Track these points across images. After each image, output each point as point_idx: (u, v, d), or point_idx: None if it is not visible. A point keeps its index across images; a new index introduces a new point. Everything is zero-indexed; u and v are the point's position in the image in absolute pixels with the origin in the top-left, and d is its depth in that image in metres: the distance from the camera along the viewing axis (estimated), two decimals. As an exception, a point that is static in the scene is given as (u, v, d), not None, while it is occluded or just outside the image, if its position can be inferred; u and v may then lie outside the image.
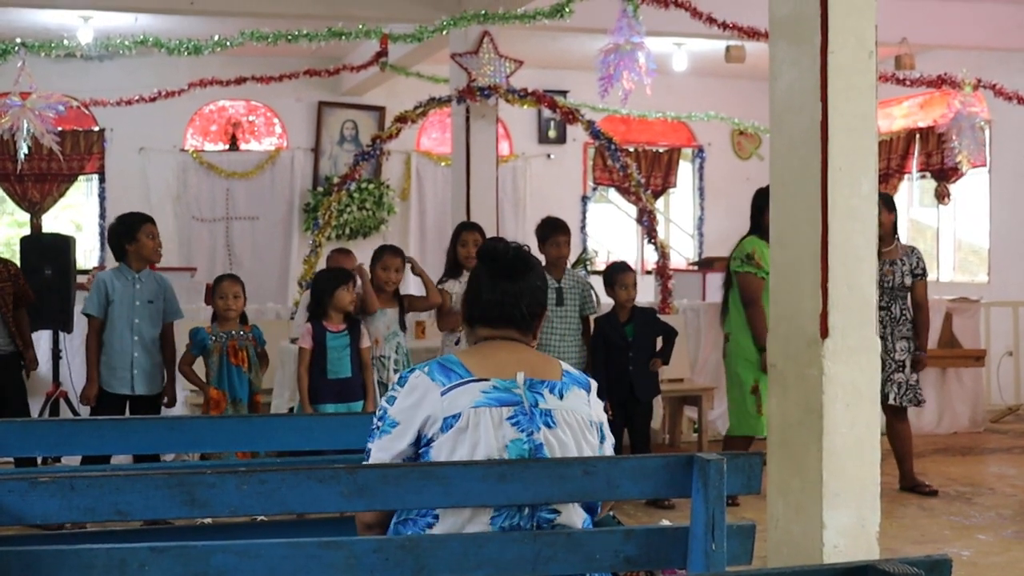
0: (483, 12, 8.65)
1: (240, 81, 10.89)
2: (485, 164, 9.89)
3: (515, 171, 13.91)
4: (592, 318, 6.91)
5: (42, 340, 7.29)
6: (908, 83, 10.28)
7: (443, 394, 2.67)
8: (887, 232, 6.73)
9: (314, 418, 4.87)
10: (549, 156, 14.15)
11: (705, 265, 11.92)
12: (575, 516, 2.73)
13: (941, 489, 6.90)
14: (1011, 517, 6.27)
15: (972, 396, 9.25)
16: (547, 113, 13.29)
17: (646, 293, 8.56)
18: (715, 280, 9.07)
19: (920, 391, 6.94)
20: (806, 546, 3.90)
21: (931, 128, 12.17)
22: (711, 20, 8.72)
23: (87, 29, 10.14)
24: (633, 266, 7.80)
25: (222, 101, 13.27)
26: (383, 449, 2.69)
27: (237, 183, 13.25)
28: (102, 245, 12.49)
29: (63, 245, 7.46)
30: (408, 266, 6.68)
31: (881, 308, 6.71)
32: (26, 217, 12.76)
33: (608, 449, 2.84)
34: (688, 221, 14.83)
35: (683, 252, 14.45)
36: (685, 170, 14.74)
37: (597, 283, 7.29)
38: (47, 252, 7.33)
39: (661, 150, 14.44)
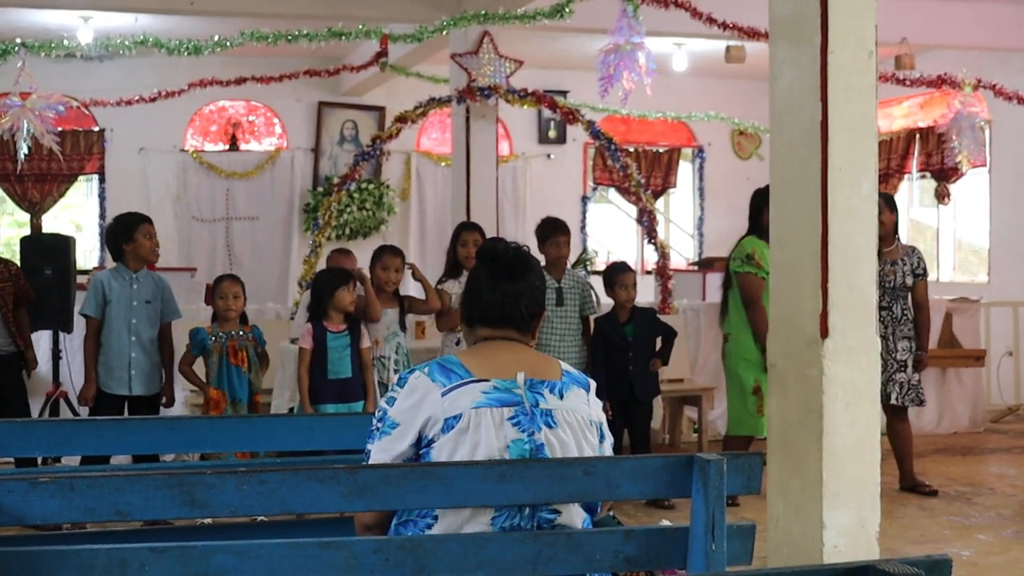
0: (483, 12, 8.65)
1: (240, 81, 10.89)
2: (485, 164, 9.89)
3: (515, 171, 13.91)
4: (592, 318, 6.91)
5: (42, 340, 7.29)
6: (908, 83, 10.28)
7: (444, 395, 2.66)
8: (888, 232, 6.74)
9: (314, 418, 4.87)
10: (549, 156, 14.15)
11: (705, 265, 11.92)
12: (575, 516, 2.73)
13: (941, 489, 6.90)
14: (1011, 517, 6.27)
15: (972, 396, 9.25)
16: (547, 113, 13.29)
17: (646, 293, 8.56)
18: (715, 280, 9.06)
19: (922, 391, 6.95)
20: (806, 546, 3.90)
21: (931, 128, 12.18)
22: (711, 20, 8.72)
23: (87, 29, 10.14)
24: (633, 266, 7.80)
25: (222, 101, 13.27)
26: (383, 450, 2.68)
27: (237, 183, 13.25)
28: (102, 245, 12.49)
29: (63, 245, 7.46)
30: (409, 272, 6.70)
31: (882, 308, 6.71)
32: (26, 217, 12.76)
33: (607, 448, 2.85)
34: (688, 221, 14.84)
35: (683, 252, 14.45)
36: (685, 170, 14.74)
37: (597, 283, 7.29)
38: (47, 252, 7.33)
39: (661, 150, 14.45)
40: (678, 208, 14.99)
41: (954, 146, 9.93)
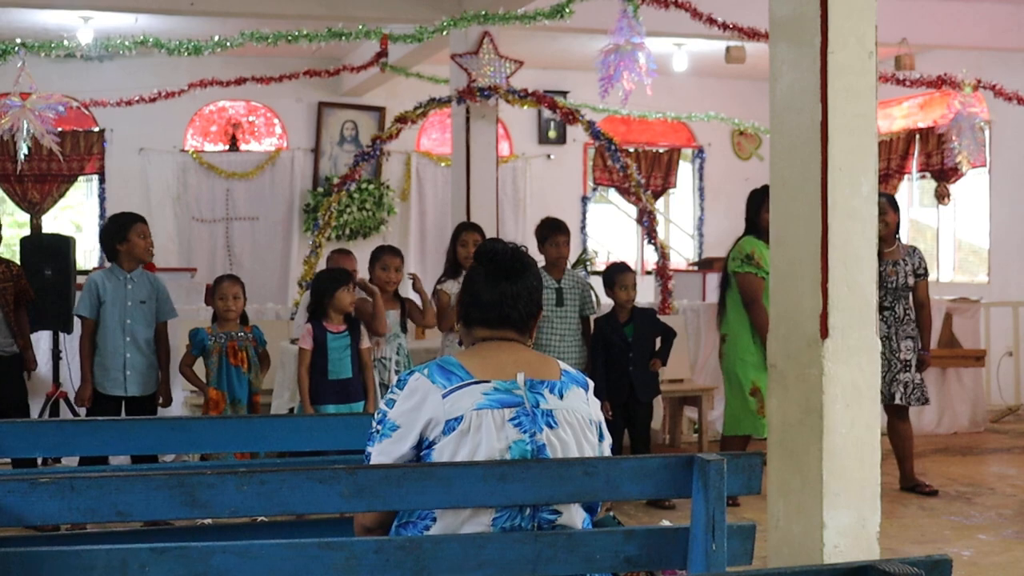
0: (483, 12, 8.65)
1: (240, 81, 10.90)
2: (485, 164, 9.89)
3: (515, 171, 13.91)
4: (592, 318, 6.91)
5: (42, 340, 7.29)
6: (908, 83, 10.29)
7: (444, 397, 2.66)
8: (890, 233, 6.76)
9: (314, 419, 4.87)
10: (549, 156, 14.15)
11: (705, 265, 11.92)
12: (576, 517, 2.73)
13: (941, 489, 6.91)
14: (1011, 517, 6.27)
15: (972, 396, 9.25)
16: (547, 113, 13.30)
17: (646, 293, 8.56)
18: (715, 280, 9.05)
19: (926, 389, 6.96)
20: (806, 546, 3.90)
21: (931, 128, 12.18)
22: (711, 21, 8.72)
23: (87, 29, 10.14)
24: (633, 266, 7.81)
25: (222, 101, 13.27)
26: (384, 453, 2.68)
27: (237, 183, 13.25)
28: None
29: (63, 245, 7.46)
30: (410, 282, 6.69)
31: (885, 308, 6.73)
32: (26, 217, 12.76)
33: (607, 448, 2.84)
34: (688, 221, 14.84)
35: (683, 252, 14.46)
36: (685, 170, 14.74)
37: (597, 284, 7.29)
38: (47, 252, 7.33)
39: (661, 150, 14.45)
40: (678, 208, 15.00)
41: (954, 146, 9.93)
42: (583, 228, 14.05)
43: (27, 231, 12.36)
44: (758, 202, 6.66)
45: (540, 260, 6.82)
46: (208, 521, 3.72)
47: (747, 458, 2.72)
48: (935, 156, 12.22)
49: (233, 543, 2.48)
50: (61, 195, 12.77)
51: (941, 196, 12.28)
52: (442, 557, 2.52)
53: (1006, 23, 10.74)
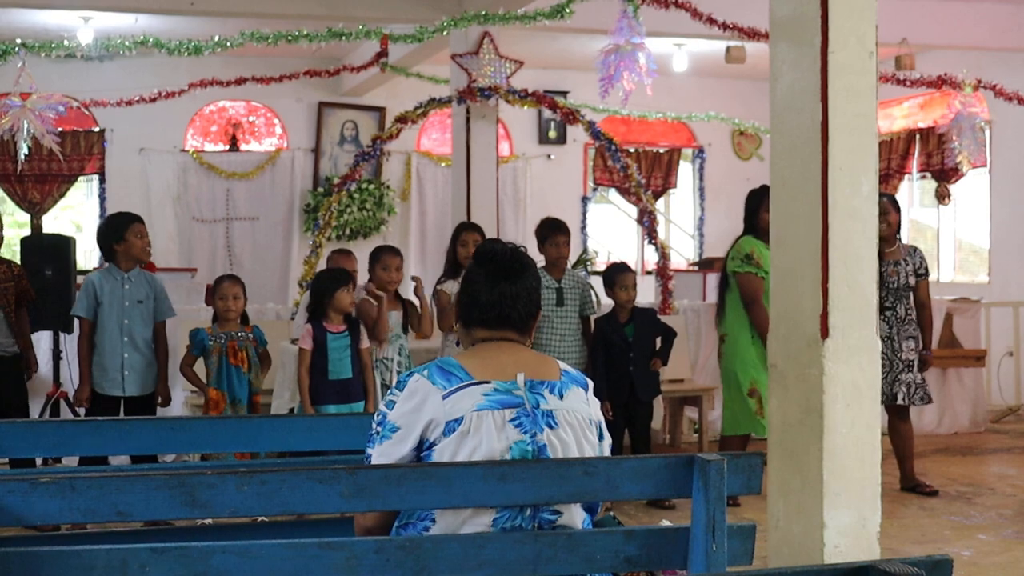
0: (483, 13, 8.65)
1: (240, 82, 10.89)
2: (485, 164, 9.88)
3: (515, 172, 13.91)
4: (592, 318, 6.90)
5: (42, 341, 7.29)
6: (908, 83, 10.28)
7: (444, 398, 2.65)
8: (892, 233, 6.77)
9: (314, 419, 4.86)
10: (549, 156, 14.15)
11: (705, 266, 11.92)
12: (576, 517, 2.73)
13: (942, 489, 6.91)
14: (1012, 517, 6.27)
15: (973, 396, 9.24)
16: (547, 114, 13.29)
17: (646, 294, 8.56)
18: (716, 281, 9.06)
19: (928, 389, 6.96)
20: (807, 546, 3.90)
21: (931, 128, 12.18)
22: (711, 21, 8.71)
23: (87, 30, 10.14)
24: (633, 267, 7.80)
25: (222, 102, 13.27)
26: (384, 455, 2.67)
27: (237, 184, 13.25)
28: (102, 246, 12.47)
29: (63, 246, 7.46)
30: (412, 285, 6.68)
31: (887, 308, 6.73)
32: (26, 218, 12.76)
33: (606, 447, 2.84)
34: (688, 222, 14.83)
35: (683, 252, 14.45)
36: (685, 170, 14.74)
37: (597, 284, 7.29)
38: (47, 253, 7.33)
39: (661, 150, 14.44)
40: (678, 208, 14.99)
41: (954, 146, 9.93)
42: (583, 228, 14.04)
43: (27, 231, 12.36)
44: (756, 202, 6.67)
45: (540, 260, 6.83)
46: (208, 521, 3.72)
47: (747, 458, 2.72)
48: (935, 156, 12.22)
49: (233, 543, 2.48)
50: (61, 195, 12.77)
51: (941, 196, 12.28)
52: (442, 557, 2.52)
53: (1006, 23, 10.74)
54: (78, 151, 12.61)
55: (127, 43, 8.86)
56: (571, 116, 9.16)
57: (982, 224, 12.43)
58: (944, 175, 12.10)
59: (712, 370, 8.51)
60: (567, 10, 8.22)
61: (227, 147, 13.38)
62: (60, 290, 7.11)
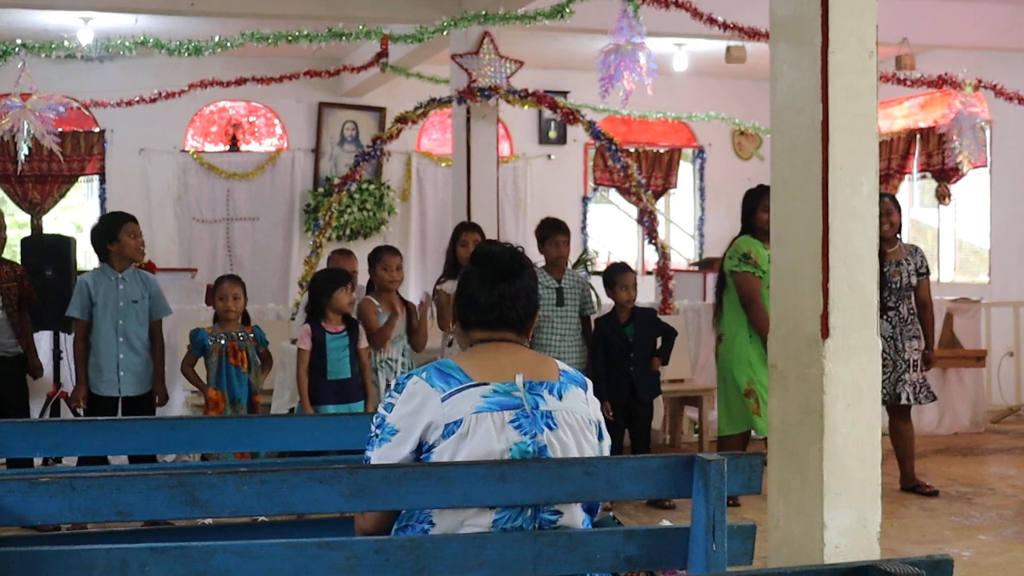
0: (483, 12, 8.65)
1: (240, 82, 10.89)
2: (486, 165, 9.88)
3: (515, 172, 13.91)
4: (592, 318, 6.90)
5: (42, 341, 7.28)
6: (909, 83, 10.28)
7: (443, 400, 2.65)
8: (894, 233, 6.78)
9: (314, 418, 4.87)
10: (550, 157, 14.15)
11: (706, 265, 11.92)
12: (577, 517, 2.73)
13: (942, 489, 6.90)
14: (1012, 517, 6.27)
15: (973, 396, 9.24)
16: (548, 114, 13.29)
17: (647, 294, 8.56)
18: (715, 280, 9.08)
19: (931, 387, 6.97)
20: (807, 546, 3.90)
21: (932, 128, 12.18)
22: (711, 20, 8.71)
23: (87, 30, 10.14)
24: (633, 266, 7.80)
25: (222, 102, 13.27)
26: (383, 457, 2.66)
27: (237, 184, 13.25)
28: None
29: (64, 246, 7.47)
30: (419, 303, 6.65)
31: (889, 308, 6.74)
32: (27, 218, 12.76)
33: (606, 447, 2.84)
34: (689, 221, 14.83)
35: (684, 252, 14.45)
36: (686, 170, 14.74)
37: (597, 284, 7.29)
38: (48, 253, 7.33)
39: (662, 150, 14.44)
40: (679, 208, 14.99)
41: (955, 146, 9.93)
42: (583, 228, 14.04)
43: (28, 232, 12.36)
44: (754, 202, 6.68)
45: (540, 260, 6.83)
46: (208, 521, 3.72)
47: (747, 458, 2.72)
48: (936, 156, 12.22)
49: (233, 543, 2.48)
50: (62, 196, 12.77)
51: (942, 196, 12.28)
52: (442, 557, 2.52)
53: (1006, 23, 10.73)
54: (78, 151, 12.61)
55: (127, 43, 8.86)
56: (571, 116, 9.16)
57: (982, 224, 12.43)
58: (944, 175, 12.10)
59: (712, 370, 8.51)
60: (567, 10, 8.22)
61: (227, 147, 13.38)
62: (60, 290, 7.11)
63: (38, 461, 6.20)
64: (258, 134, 13.59)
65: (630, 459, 2.75)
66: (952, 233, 13.10)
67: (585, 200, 14.22)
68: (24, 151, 8.63)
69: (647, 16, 8.06)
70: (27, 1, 9.91)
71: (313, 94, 13.22)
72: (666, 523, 3.20)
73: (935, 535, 5.87)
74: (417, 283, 13.22)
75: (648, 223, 8.75)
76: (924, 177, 12.88)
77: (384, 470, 2.57)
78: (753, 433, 6.63)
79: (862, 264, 3.96)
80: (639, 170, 9.69)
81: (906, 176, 12.91)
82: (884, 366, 6.55)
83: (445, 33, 8.98)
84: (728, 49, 11.22)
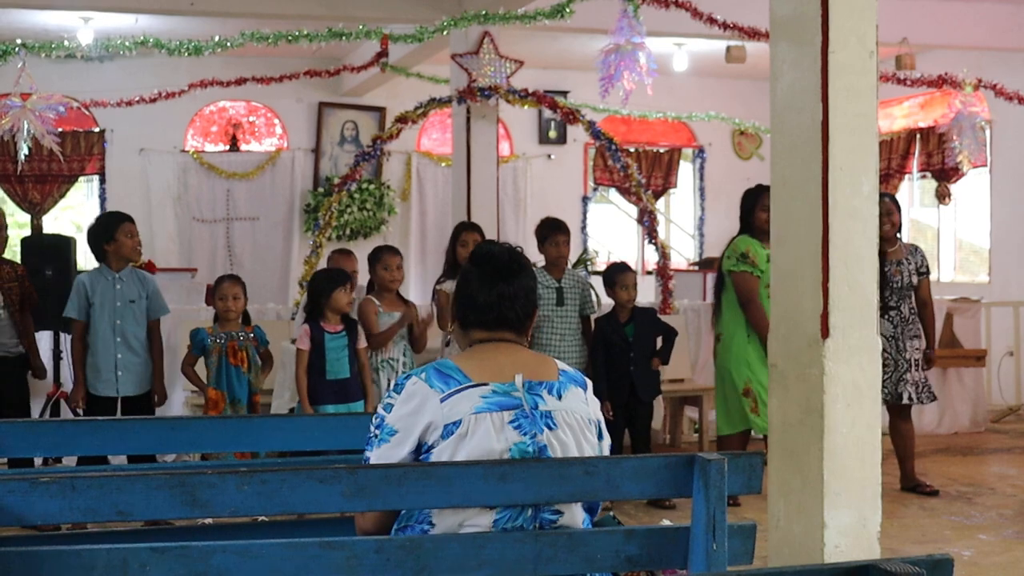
0: (483, 12, 8.65)
1: (240, 82, 10.89)
2: (486, 164, 9.88)
3: (516, 171, 13.91)
4: (592, 318, 6.90)
5: (43, 341, 7.28)
6: (909, 83, 10.28)
7: (443, 401, 2.65)
8: (895, 233, 6.78)
9: (314, 418, 4.87)
10: (550, 156, 14.15)
11: (706, 265, 11.92)
12: (577, 517, 2.73)
13: (942, 489, 6.90)
14: (1012, 517, 6.27)
15: (973, 396, 9.24)
16: (548, 113, 13.29)
17: (647, 293, 8.56)
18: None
19: (931, 387, 6.97)
20: (807, 546, 3.90)
21: (932, 128, 12.17)
22: (712, 20, 8.71)
23: (87, 30, 10.14)
24: (634, 266, 7.80)
25: (222, 102, 13.27)
26: (382, 458, 2.66)
27: (238, 184, 13.25)
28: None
29: (64, 246, 7.47)
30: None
31: (891, 308, 6.74)
32: (27, 218, 12.76)
33: (606, 447, 2.84)
34: (689, 221, 14.83)
35: (684, 252, 14.45)
36: (686, 170, 14.74)
37: (597, 284, 7.29)
38: (48, 253, 7.34)
39: (662, 150, 14.44)
40: (679, 208, 14.99)
41: (955, 146, 9.93)
42: (583, 228, 14.04)
43: (27, 231, 12.36)
44: (752, 201, 6.68)
45: (540, 260, 6.83)
46: (209, 521, 3.72)
47: (748, 458, 2.72)
48: (936, 156, 12.22)
49: (234, 543, 2.48)
50: (62, 195, 12.77)
51: (942, 196, 12.28)
52: (443, 556, 2.52)
53: (1006, 23, 10.73)
54: (78, 151, 12.61)
55: (127, 43, 8.86)
56: (571, 116, 9.16)
57: (982, 224, 12.43)
58: (944, 175, 12.10)
59: (712, 370, 8.51)
60: (567, 10, 8.22)
61: (227, 147, 13.38)
62: (60, 290, 7.10)
63: (38, 461, 6.20)
64: (258, 134, 13.59)
65: (630, 459, 2.75)
66: (952, 233, 13.10)
67: (585, 200, 14.22)
68: (24, 151, 8.63)
69: (647, 16, 8.06)
70: (27, 1, 9.91)
71: (313, 94, 13.21)
72: (666, 523, 3.20)
73: (935, 535, 5.87)
74: (417, 283, 13.22)
75: (648, 223, 8.75)
76: (924, 177, 12.88)
77: (384, 470, 2.57)
78: (753, 432, 6.63)
79: (862, 264, 3.96)
80: (639, 170, 9.69)
81: (906, 176, 12.91)
82: (886, 366, 6.56)
83: (445, 33, 8.98)
84: (728, 49, 11.22)
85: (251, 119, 13.54)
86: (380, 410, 2.72)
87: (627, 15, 7.91)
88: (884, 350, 6.40)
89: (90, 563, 2.37)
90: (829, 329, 3.90)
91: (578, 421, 2.74)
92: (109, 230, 6.07)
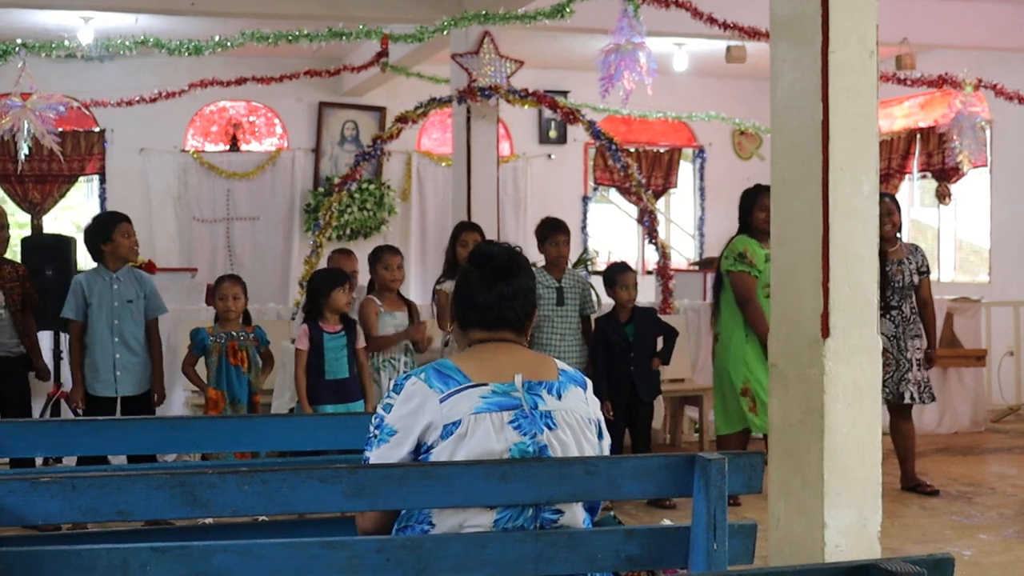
0: (484, 12, 8.65)
1: (241, 82, 10.89)
2: (486, 164, 9.88)
3: (516, 171, 13.91)
4: (592, 318, 6.91)
5: (43, 341, 7.27)
6: (909, 83, 10.28)
7: (442, 401, 2.65)
8: (895, 232, 6.78)
9: (314, 418, 4.87)
10: (550, 156, 14.15)
11: (706, 265, 11.92)
12: (578, 517, 2.73)
13: (942, 489, 6.90)
14: (1012, 517, 6.27)
15: (973, 396, 9.24)
16: (548, 113, 13.29)
17: (647, 293, 8.56)
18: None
19: (932, 387, 6.97)
20: (807, 545, 3.90)
21: (932, 128, 12.17)
22: (712, 20, 8.71)
23: (87, 30, 10.14)
24: (634, 266, 7.80)
25: (223, 102, 13.27)
26: (381, 458, 2.67)
27: (238, 184, 13.25)
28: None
29: (64, 246, 7.47)
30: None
31: (892, 308, 6.74)
32: (27, 218, 12.75)
33: (606, 447, 2.84)
34: (689, 221, 14.83)
35: (684, 252, 14.45)
36: (686, 170, 14.73)
37: (598, 283, 7.29)
38: (48, 253, 7.33)
39: (662, 150, 14.44)
40: (679, 208, 14.99)
41: (955, 146, 9.93)
42: (584, 228, 14.04)
43: (28, 231, 12.36)
44: (750, 201, 6.69)
45: (540, 260, 6.83)
46: (209, 520, 3.72)
47: (748, 457, 2.72)
48: (936, 156, 12.21)
49: (234, 542, 2.48)
50: (62, 195, 12.76)
51: (942, 196, 12.27)
52: (444, 556, 2.52)
53: (1007, 23, 10.74)
54: (78, 151, 12.61)
55: (127, 43, 8.86)
56: (571, 116, 9.16)
57: (982, 224, 12.43)
58: (945, 175, 12.09)
59: (711, 370, 8.51)
60: (567, 10, 8.21)
61: (227, 147, 13.38)
62: (60, 290, 7.09)
63: (39, 461, 6.20)
64: (258, 134, 13.58)
65: (631, 458, 2.75)
66: (952, 233, 13.09)
67: (585, 200, 14.21)
68: (24, 151, 8.63)
69: (647, 16, 8.05)
70: (27, 1, 9.91)
71: (313, 94, 13.21)
72: (667, 522, 3.20)
73: (936, 534, 5.87)
74: (417, 283, 13.22)
75: (648, 223, 8.75)
76: (924, 177, 12.88)
77: (385, 470, 2.56)
78: (753, 432, 6.63)
79: (862, 264, 3.97)
80: (639, 170, 9.69)
81: (906, 176, 12.90)
82: (887, 365, 6.56)
83: (445, 33, 8.98)
84: (728, 49, 11.22)
85: (251, 119, 13.54)
86: (380, 410, 2.72)
87: (627, 15, 7.91)
88: (886, 350, 6.41)
89: (90, 563, 2.37)
90: (829, 329, 3.90)
91: (578, 421, 2.74)
92: (106, 230, 6.07)
